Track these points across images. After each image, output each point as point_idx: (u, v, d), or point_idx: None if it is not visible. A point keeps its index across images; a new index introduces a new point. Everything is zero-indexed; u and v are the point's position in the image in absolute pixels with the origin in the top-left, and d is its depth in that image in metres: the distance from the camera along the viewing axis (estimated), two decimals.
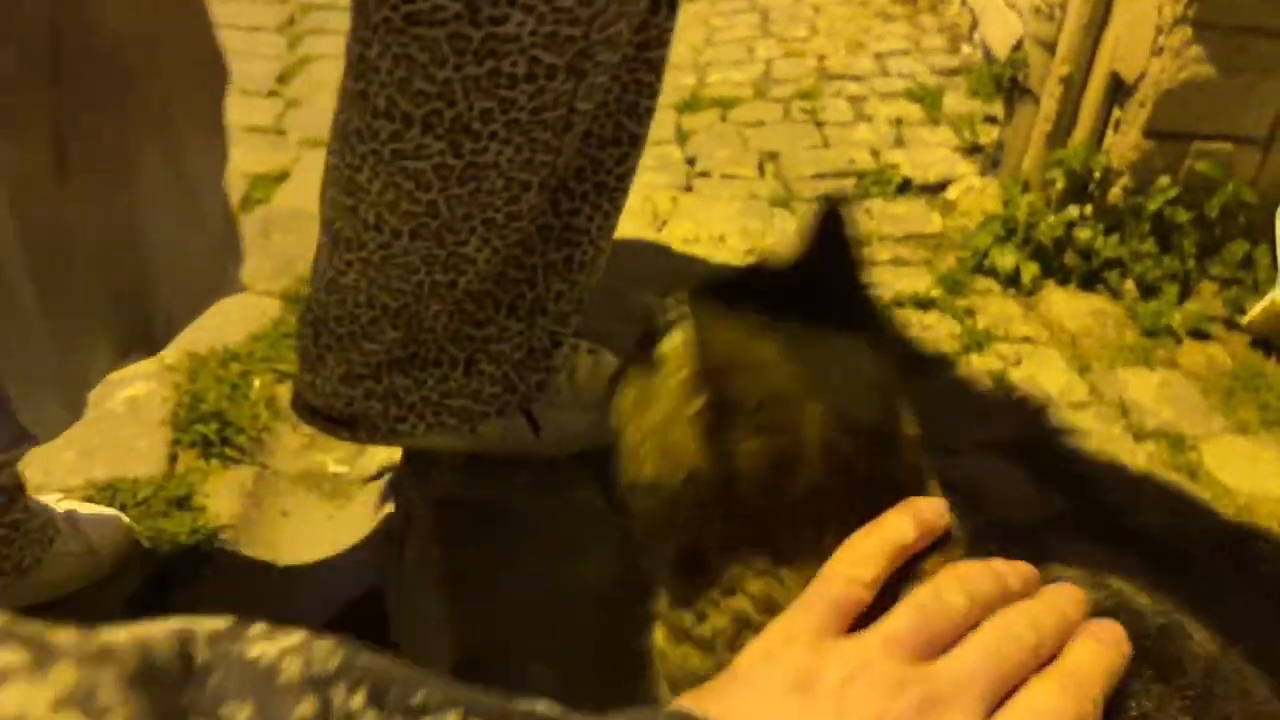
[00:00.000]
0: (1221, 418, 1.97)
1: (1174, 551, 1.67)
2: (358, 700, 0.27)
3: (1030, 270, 2.22)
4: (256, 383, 2.19)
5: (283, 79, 3.49)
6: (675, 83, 3.38)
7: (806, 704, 0.37)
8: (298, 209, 2.73)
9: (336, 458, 2.11)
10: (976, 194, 2.62)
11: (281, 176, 2.90)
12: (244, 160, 2.96)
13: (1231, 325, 2.20)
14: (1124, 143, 2.30)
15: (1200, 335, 2.18)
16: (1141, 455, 1.87)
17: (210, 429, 2.05)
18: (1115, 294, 2.24)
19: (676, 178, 2.76)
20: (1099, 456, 1.85)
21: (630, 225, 2.51)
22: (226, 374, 2.18)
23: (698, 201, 2.64)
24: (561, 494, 1.33)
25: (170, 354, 2.24)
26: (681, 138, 3.01)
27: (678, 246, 2.41)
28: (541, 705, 0.32)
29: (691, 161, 2.86)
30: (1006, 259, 2.24)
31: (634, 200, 2.64)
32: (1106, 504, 1.75)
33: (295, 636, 0.29)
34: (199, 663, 0.26)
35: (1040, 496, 1.70)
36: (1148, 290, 2.24)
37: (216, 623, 0.28)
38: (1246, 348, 2.16)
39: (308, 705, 0.27)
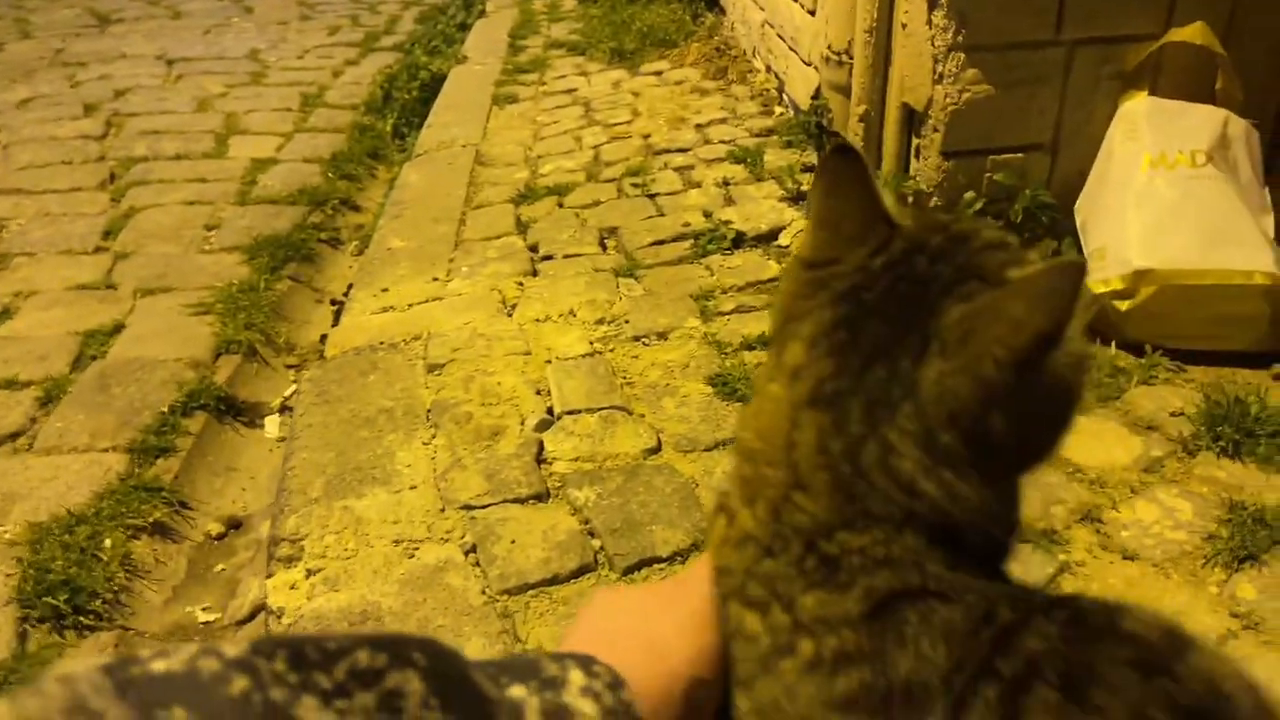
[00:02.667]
0: None
1: (1041, 531, 1.73)
2: (280, 665, 0.30)
3: None
4: (108, 542, 2.06)
5: (110, 234, 3.40)
6: (509, 178, 3.45)
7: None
8: (136, 359, 2.64)
9: (204, 606, 2.01)
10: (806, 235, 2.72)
11: (117, 329, 2.81)
12: (74, 319, 2.86)
13: None
14: (927, 166, 2.45)
15: None
16: None
17: (60, 599, 1.91)
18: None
19: (521, 265, 2.79)
20: None
21: (480, 314, 2.51)
22: (73, 539, 2.06)
23: (544, 283, 2.67)
24: None
25: (9, 527, 2.11)
26: (522, 228, 3.05)
27: (529, 327, 2.43)
28: (415, 638, 0.35)
29: (534, 248, 2.90)
30: None
31: (480, 290, 2.67)
32: None
33: (192, 646, 0.30)
34: (110, 688, 0.27)
35: None
36: None
37: (99, 660, 0.29)
38: None
39: (239, 684, 0.28)
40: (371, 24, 6.39)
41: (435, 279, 2.76)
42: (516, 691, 0.37)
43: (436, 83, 4.66)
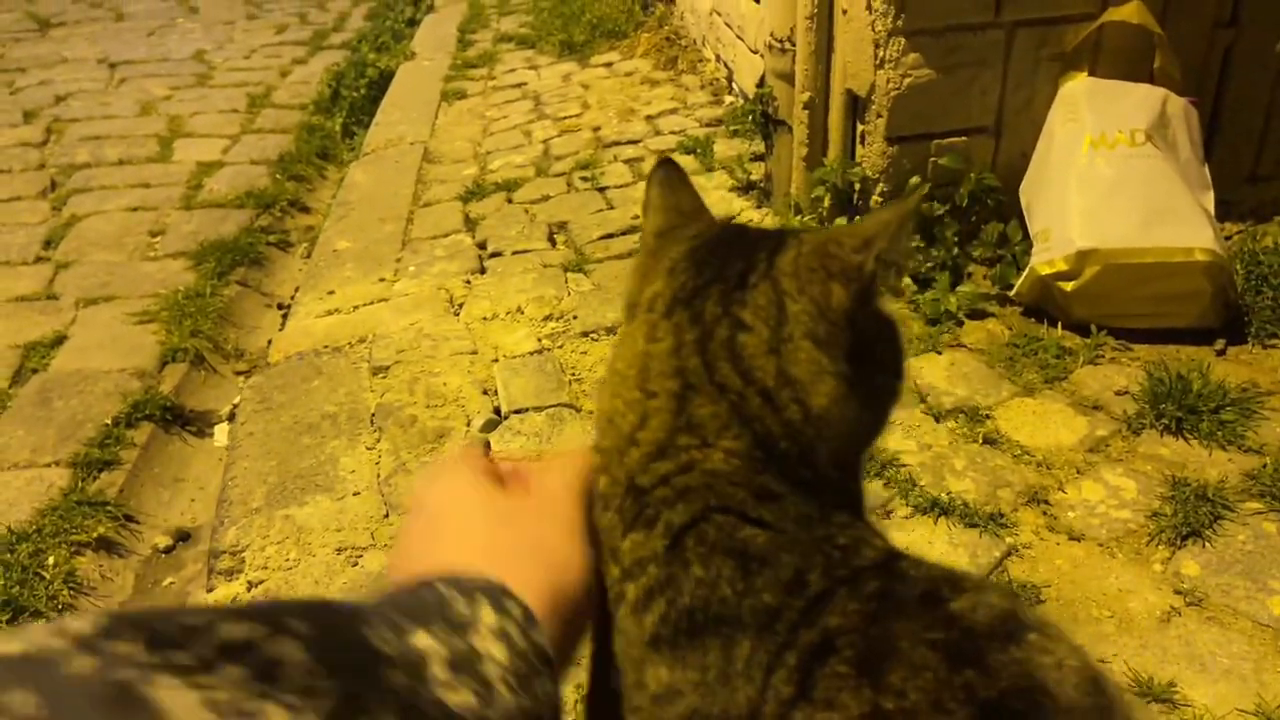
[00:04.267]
0: (1009, 384, 2.08)
1: (988, 515, 1.74)
2: (129, 646, 0.28)
3: None
4: (51, 560, 2.02)
5: (50, 244, 3.33)
6: (458, 175, 3.41)
7: None
8: (79, 370, 2.58)
9: None
10: (756, 225, 2.72)
11: (58, 341, 2.74)
12: (13, 332, 2.79)
13: (1004, 300, 2.34)
14: (872, 152, 2.44)
15: (978, 314, 2.30)
16: (944, 433, 1.95)
17: (2, 619, 1.87)
18: (895, 291, 2.35)
19: (469, 263, 2.76)
20: (905, 442, 1.91)
21: (426, 314, 2.48)
22: (14, 558, 2.01)
23: (492, 280, 2.64)
24: None
25: None
26: (470, 225, 3.02)
27: (476, 326, 2.40)
28: (298, 605, 0.33)
29: (483, 245, 2.87)
30: None
31: (427, 290, 2.64)
32: (921, 484, 1.81)
33: (42, 625, 0.28)
34: None
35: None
36: (923, 283, 2.36)
37: None
38: (1020, 317, 2.30)
39: (86, 663, 0.27)
40: (320, 22, 6.30)
41: (382, 280, 2.72)
42: (420, 640, 0.34)
43: (385, 80, 4.60)
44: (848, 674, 0.39)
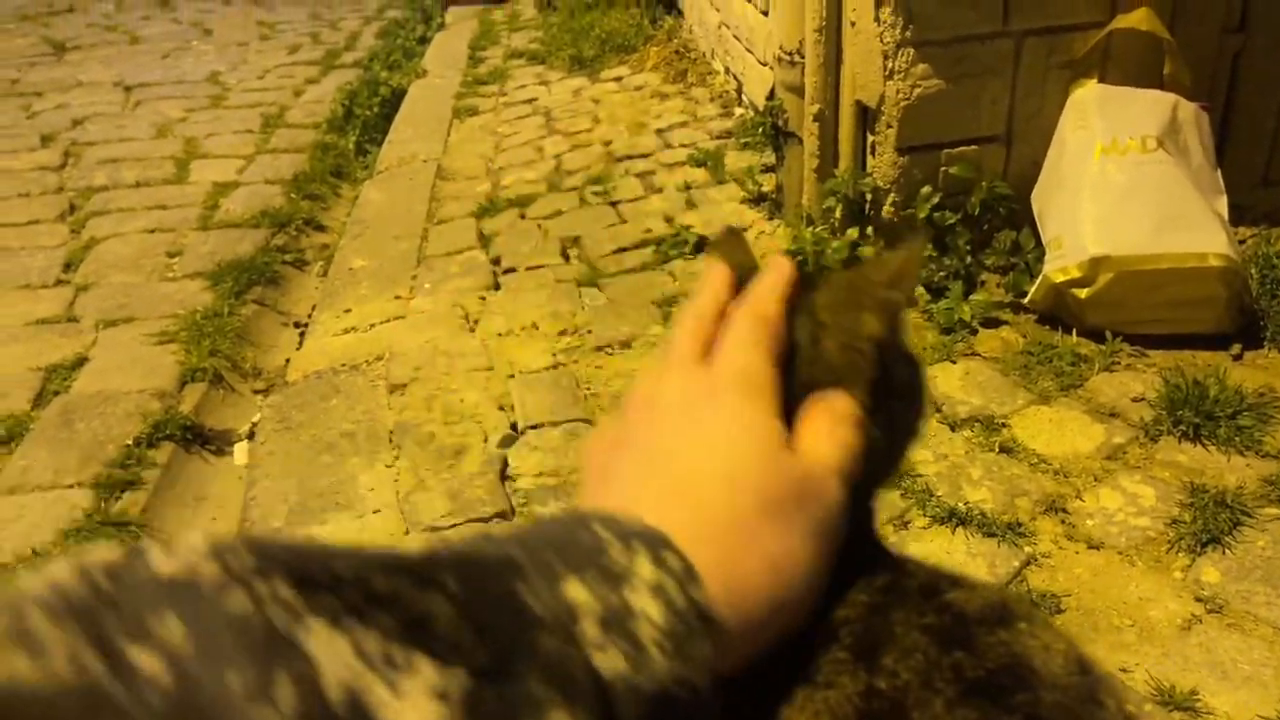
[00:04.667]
0: (1024, 392, 2.08)
1: (1006, 524, 1.74)
2: (281, 588, 0.27)
3: None
4: None
5: (70, 266, 3.37)
6: (471, 191, 3.44)
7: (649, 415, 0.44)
8: (100, 392, 2.61)
9: None
10: (768, 237, 2.73)
11: (79, 362, 2.78)
12: (34, 355, 2.83)
13: (1017, 308, 2.34)
14: (883, 162, 2.45)
15: (992, 323, 2.31)
16: (960, 442, 1.95)
17: None
18: (909, 301, 2.35)
19: (483, 279, 2.78)
20: (922, 451, 1.91)
21: (441, 330, 2.50)
22: None
23: (506, 297, 2.66)
24: None
25: None
26: (484, 241, 3.04)
27: (491, 342, 2.42)
28: (451, 556, 0.32)
29: (496, 261, 2.89)
30: None
31: (443, 307, 2.66)
32: (938, 493, 1.81)
33: (197, 542, 0.27)
34: (105, 591, 0.25)
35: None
36: (936, 292, 2.36)
37: (108, 553, 0.27)
38: (1035, 325, 2.30)
39: (238, 600, 0.26)
40: (332, 41, 6.36)
41: (397, 297, 2.74)
42: (572, 591, 0.33)
43: (397, 98, 4.64)
44: (846, 659, 0.40)
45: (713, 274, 0.52)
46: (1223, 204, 2.27)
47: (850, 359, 0.48)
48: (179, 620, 0.25)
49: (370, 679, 0.27)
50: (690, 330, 0.47)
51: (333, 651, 0.26)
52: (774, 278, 0.48)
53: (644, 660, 0.32)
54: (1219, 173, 2.32)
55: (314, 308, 2.92)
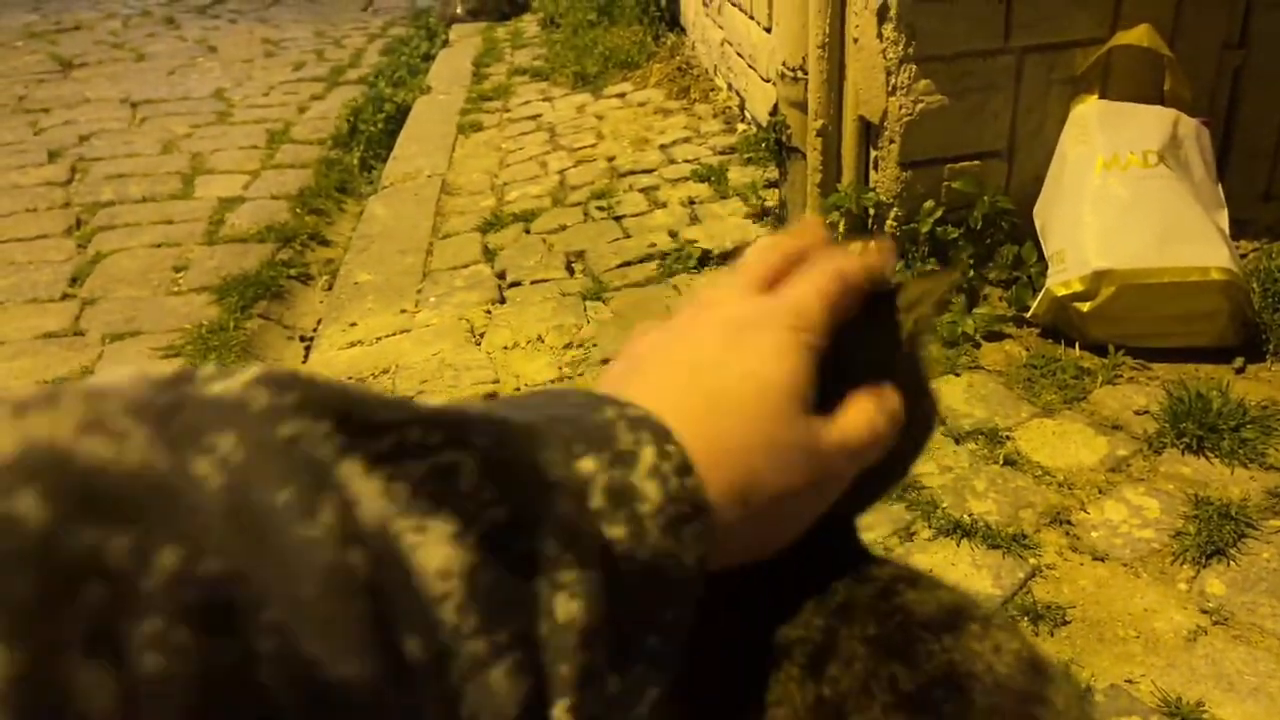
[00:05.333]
0: (1028, 405, 2.09)
1: (1010, 536, 1.74)
2: (324, 426, 0.28)
3: None
4: None
5: (76, 280, 3.39)
6: (475, 206, 3.46)
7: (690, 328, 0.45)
8: None
9: None
10: None
11: (86, 376, 2.78)
12: (41, 368, 2.84)
13: (1020, 321, 2.35)
14: (886, 177, 2.47)
15: (995, 336, 2.32)
16: (964, 455, 1.96)
17: None
18: (928, 327, 2.36)
19: (489, 293, 2.79)
20: (926, 464, 1.92)
21: (447, 344, 2.52)
22: None
23: (512, 310, 2.67)
24: None
25: None
26: (489, 255, 3.06)
27: (497, 356, 2.43)
28: (482, 417, 0.33)
29: (502, 275, 2.91)
30: None
31: (448, 320, 2.67)
32: (942, 506, 1.82)
33: (250, 370, 0.29)
34: (162, 403, 0.27)
35: (880, 509, 1.75)
36: (939, 305, 2.37)
37: (165, 370, 0.29)
38: (1037, 338, 2.31)
39: (287, 428, 0.28)
40: (336, 58, 6.40)
41: (403, 311, 2.75)
42: (586, 465, 0.35)
43: (402, 114, 4.67)
44: (798, 674, 0.42)
45: (810, 222, 0.52)
46: (1224, 218, 2.28)
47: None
48: (233, 437, 0.27)
49: (398, 518, 0.29)
50: (763, 259, 0.47)
51: (367, 490, 0.28)
52: (874, 257, 0.48)
53: (641, 532, 0.35)
54: (1220, 187, 2.34)
55: (319, 321, 2.94)
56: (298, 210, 3.84)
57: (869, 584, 0.45)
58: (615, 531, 0.34)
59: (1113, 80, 2.42)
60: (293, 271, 3.39)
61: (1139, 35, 2.34)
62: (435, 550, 0.29)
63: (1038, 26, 2.36)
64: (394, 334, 2.63)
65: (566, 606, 0.31)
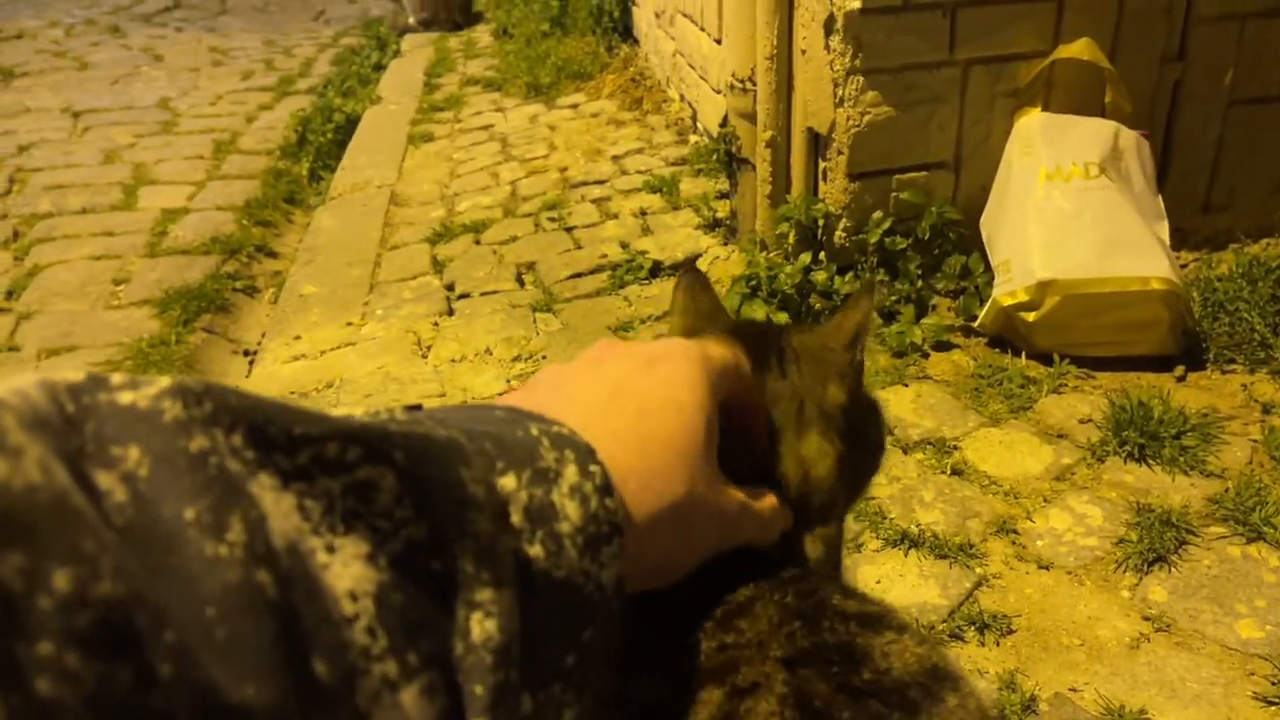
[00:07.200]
0: (975, 415, 2.10)
1: (958, 545, 1.74)
2: (237, 440, 0.28)
3: (780, 318, 2.33)
4: None
5: (12, 294, 3.29)
6: (425, 217, 3.42)
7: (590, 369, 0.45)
8: None
9: None
10: (722, 262, 2.74)
11: None
12: None
13: (968, 331, 2.37)
14: (835, 188, 2.48)
15: (943, 346, 2.33)
16: (912, 465, 1.96)
17: None
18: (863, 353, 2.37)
19: (437, 305, 2.76)
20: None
21: (393, 357, 2.47)
22: None
23: (460, 322, 2.64)
24: None
25: None
26: (438, 267, 3.02)
27: (444, 369, 2.39)
28: (402, 433, 0.32)
29: (450, 287, 2.87)
30: (757, 311, 2.34)
31: (395, 333, 2.63)
32: (890, 516, 1.81)
33: (162, 381, 0.28)
34: (70, 412, 0.26)
35: None
36: (888, 316, 2.38)
37: (72, 375, 0.27)
38: (985, 348, 2.33)
39: (198, 441, 0.27)
40: (286, 68, 6.32)
41: (349, 324, 2.71)
42: (508, 483, 0.34)
43: (352, 125, 4.61)
44: (710, 628, 0.45)
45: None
46: (1164, 229, 2.32)
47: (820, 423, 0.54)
48: (140, 450, 0.26)
49: (310, 536, 0.28)
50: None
51: (279, 507, 0.28)
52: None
53: (560, 551, 0.35)
54: (1160, 198, 2.37)
55: (264, 335, 2.88)
56: (244, 221, 3.77)
57: (804, 582, 0.47)
58: (534, 550, 0.34)
59: (1055, 92, 2.46)
60: (238, 284, 3.32)
61: (1080, 49, 2.37)
62: (346, 570, 0.28)
63: (982, 39, 2.39)
64: (339, 347, 2.58)
65: (482, 626, 0.31)
